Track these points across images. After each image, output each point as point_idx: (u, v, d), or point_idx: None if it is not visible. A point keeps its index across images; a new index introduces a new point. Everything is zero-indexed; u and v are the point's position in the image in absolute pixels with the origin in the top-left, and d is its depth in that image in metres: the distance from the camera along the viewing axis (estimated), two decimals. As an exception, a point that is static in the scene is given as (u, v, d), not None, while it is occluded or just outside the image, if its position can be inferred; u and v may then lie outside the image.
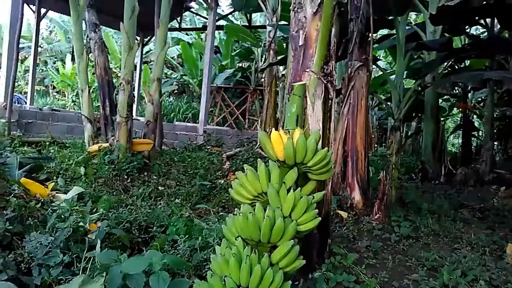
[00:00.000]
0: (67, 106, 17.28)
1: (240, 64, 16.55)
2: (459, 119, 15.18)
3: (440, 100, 11.09)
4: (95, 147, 5.70)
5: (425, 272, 3.16)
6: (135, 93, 12.80)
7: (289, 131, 2.42)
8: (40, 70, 21.55)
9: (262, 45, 12.68)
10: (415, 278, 3.04)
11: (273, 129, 2.41)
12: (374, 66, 6.65)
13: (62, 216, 2.96)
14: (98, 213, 3.31)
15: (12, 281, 2.12)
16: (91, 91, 6.60)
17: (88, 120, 6.31)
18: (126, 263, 2.10)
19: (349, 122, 4.91)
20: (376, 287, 2.60)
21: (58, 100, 19.17)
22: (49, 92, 21.93)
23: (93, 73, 7.62)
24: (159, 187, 5.09)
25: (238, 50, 15.52)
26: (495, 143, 11.72)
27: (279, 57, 9.84)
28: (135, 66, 13.05)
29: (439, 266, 3.24)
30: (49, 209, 3.20)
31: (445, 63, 7.38)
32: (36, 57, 12.32)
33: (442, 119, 11.17)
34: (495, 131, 10.41)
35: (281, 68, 11.82)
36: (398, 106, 5.47)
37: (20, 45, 11.50)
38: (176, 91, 19.30)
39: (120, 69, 6.19)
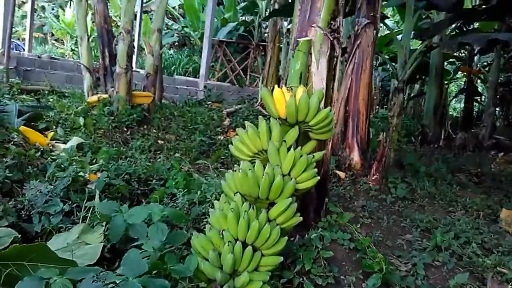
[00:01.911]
0: (66, 55, 16.94)
1: (243, 18, 16.07)
2: (462, 83, 14.98)
3: (445, 63, 10.86)
4: (95, 98, 5.64)
5: (419, 233, 3.22)
6: (135, 43, 12.48)
7: (292, 89, 2.38)
8: (39, 16, 20.94)
9: (267, -3, 12.24)
10: (408, 239, 3.11)
11: (275, 86, 2.36)
12: (381, 25, 6.45)
13: (62, 166, 2.97)
14: (98, 164, 3.31)
15: (13, 227, 2.16)
16: (90, 40, 6.44)
17: (87, 69, 6.19)
18: (129, 212, 2.13)
19: (352, 82, 4.83)
20: (370, 245, 2.65)
21: (57, 48, 18.75)
22: (47, 39, 21.44)
23: (93, 22, 7.40)
24: (159, 141, 5.09)
25: (242, 3, 15.03)
26: (497, 108, 11.62)
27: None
28: (135, 16, 12.63)
29: (432, 228, 3.30)
30: (49, 158, 3.21)
31: (454, 25, 7.18)
32: (34, 2, 11.93)
33: (446, 82, 11.01)
34: (498, 96, 10.29)
35: (285, 23, 11.49)
36: (403, 67, 5.37)
37: (17, -11, 11.09)
38: (177, 43, 18.86)
39: (119, 18, 6.00)
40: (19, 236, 2.09)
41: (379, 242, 2.93)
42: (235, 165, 2.30)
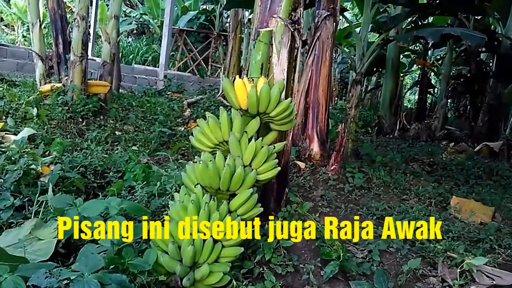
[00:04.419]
0: (17, 42, 16.06)
1: (204, 6, 15.83)
2: (417, 75, 15.56)
3: (401, 56, 11.23)
4: (47, 87, 5.39)
5: (375, 220, 3.33)
6: (91, 30, 12.03)
7: (253, 80, 2.37)
8: (-15, 0, 19.68)
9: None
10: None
11: (237, 76, 2.35)
12: (340, 17, 6.56)
13: (12, 158, 2.84)
14: (51, 156, 3.19)
15: (-42, 223, 2.04)
16: (42, 26, 6.12)
17: (39, 57, 5.90)
18: (83, 206, 2.06)
19: (312, 74, 4.88)
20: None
21: (7, 34, 17.72)
22: (-4, 25, 20.19)
23: (45, 7, 7.04)
24: (116, 132, 4.95)
25: (202, -9, 14.80)
26: (449, 100, 12.17)
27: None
28: (91, 1, 12.16)
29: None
30: (-2, 150, 3.05)
31: (410, 18, 7.41)
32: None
33: (401, 75, 11.39)
34: (450, 89, 10.77)
35: (246, 13, 11.43)
36: (361, 59, 5.48)
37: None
38: (135, 31, 18.35)
39: (74, 3, 5.74)
40: (-35, 233, 1.99)
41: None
42: (195, 157, 2.27)
